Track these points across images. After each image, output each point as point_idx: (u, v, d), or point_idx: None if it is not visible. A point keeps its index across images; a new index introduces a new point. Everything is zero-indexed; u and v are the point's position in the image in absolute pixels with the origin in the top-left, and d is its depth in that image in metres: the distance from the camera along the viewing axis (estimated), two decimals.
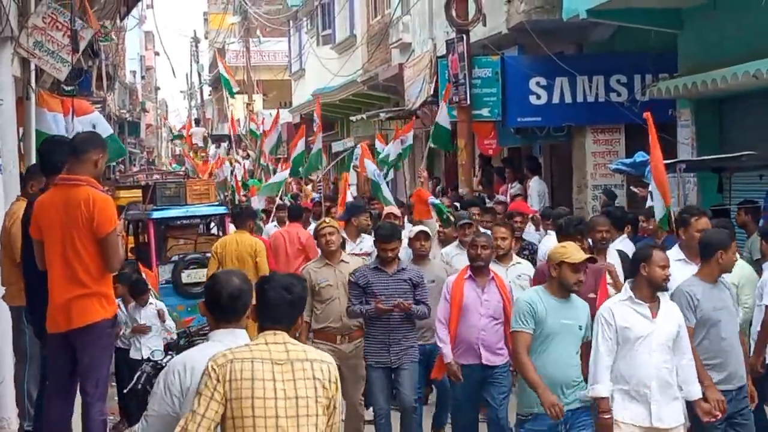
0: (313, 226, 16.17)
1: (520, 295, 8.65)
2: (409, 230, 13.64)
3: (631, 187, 16.82)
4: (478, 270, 9.92)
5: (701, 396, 7.96)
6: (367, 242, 13.51)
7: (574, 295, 8.17)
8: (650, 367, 7.76)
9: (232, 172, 30.69)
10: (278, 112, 26.46)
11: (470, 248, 10.03)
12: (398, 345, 10.09)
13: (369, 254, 12.79)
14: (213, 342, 5.53)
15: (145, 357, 11.06)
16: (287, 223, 16.46)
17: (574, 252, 8.12)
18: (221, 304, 5.55)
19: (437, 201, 14.45)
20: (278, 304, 5.26)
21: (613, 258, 10.80)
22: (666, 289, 7.97)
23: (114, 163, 37.95)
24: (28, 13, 11.45)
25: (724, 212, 12.98)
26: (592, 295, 9.19)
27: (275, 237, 15.90)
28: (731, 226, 10.86)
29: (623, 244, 11.91)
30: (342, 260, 10.82)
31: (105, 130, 12.40)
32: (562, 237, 10.12)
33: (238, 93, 48.19)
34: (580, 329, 8.08)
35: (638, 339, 7.76)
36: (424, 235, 11.03)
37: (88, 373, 8.00)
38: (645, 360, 7.76)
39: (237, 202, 21.55)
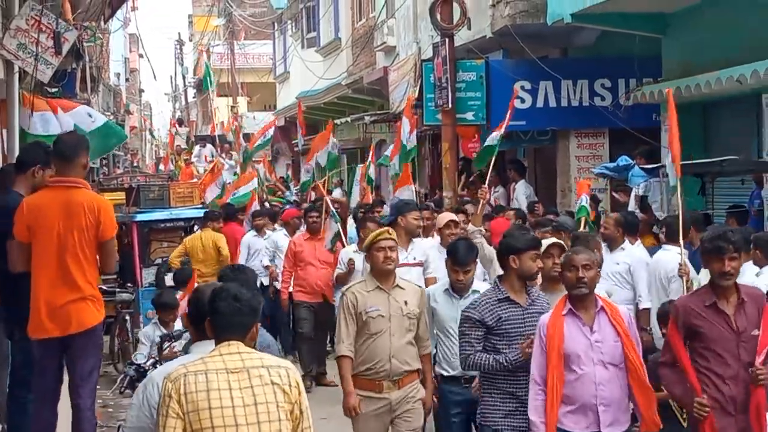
0: (298, 233, 16.04)
1: None
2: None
3: (613, 193, 16.82)
4: (580, 300, 7.15)
5: None
6: (419, 249, 11.09)
7: None
8: None
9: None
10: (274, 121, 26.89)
11: (566, 270, 7.22)
12: None
13: (422, 264, 10.82)
14: (193, 354, 5.52)
15: None
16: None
17: None
18: (203, 318, 5.53)
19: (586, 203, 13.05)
20: (228, 314, 5.23)
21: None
22: None
23: (98, 165, 37.84)
24: (11, 15, 11.40)
25: (706, 218, 13.00)
26: (755, 332, 7.00)
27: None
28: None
29: (638, 250, 11.77)
30: (397, 285, 8.57)
31: (99, 118, 12.31)
32: (707, 259, 7.24)
33: (222, 96, 48.10)
34: None
35: None
36: (558, 249, 8.28)
37: (88, 379, 8.05)
38: None
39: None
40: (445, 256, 10.78)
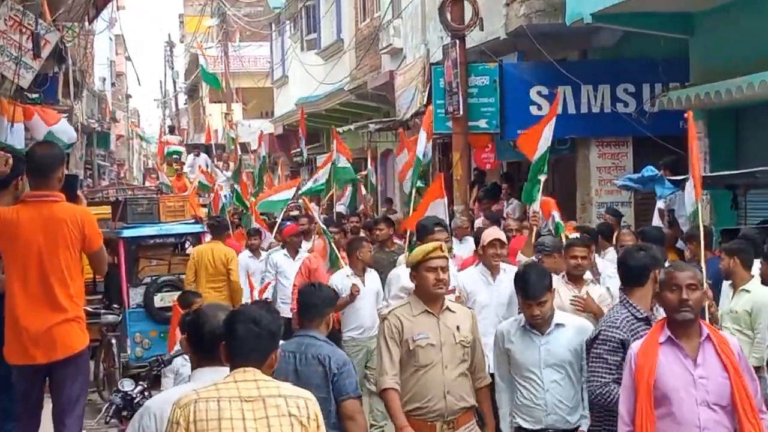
0: (304, 251, 15.89)
1: None
2: (403, 257, 12.92)
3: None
4: (682, 327, 6.37)
5: None
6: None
7: None
8: None
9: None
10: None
11: (667, 290, 6.43)
12: None
13: (454, 290, 10.32)
14: (194, 382, 5.51)
15: None
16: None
17: None
18: (204, 342, 5.52)
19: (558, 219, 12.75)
20: (246, 338, 5.21)
21: None
22: None
23: (82, 177, 37.91)
24: None
25: (737, 234, 12.96)
26: None
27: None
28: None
29: None
30: (447, 308, 8.04)
31: (70, 138, 12.35)
32: None
33: (216, 102, 48.04)
34: None
35: None
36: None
37: (73, 408, 8.07)
38: None
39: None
40: (489, 282, 10.57)
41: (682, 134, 15.92)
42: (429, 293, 7.92)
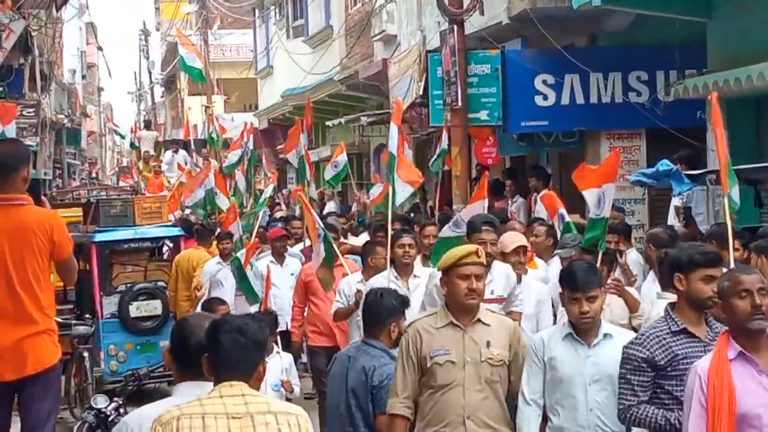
0: (296, 262, 15.66)
1: None
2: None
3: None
4: (753, 338, 6.12)
5: None
6: (500, 278, 9.98)
7: None
8: None
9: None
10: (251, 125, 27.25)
11: (734, 296, 6.15)
12: None
13: (503, 300, 10.05)
14: (175, 397, 5.49)
15: None
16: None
17: None
18: (189, 354, 5.50)
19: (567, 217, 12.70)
20: (231, 349, 5.20)
21: None
22: None
23: (50, 177, 37.89)
24: None
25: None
26: None
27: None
28: None
29: None
30: (479, 320, 7.56)
31: None
32: None
33: (195, 94, 48.04)
34: None
35: None
36: None
37: (43, 427, 8.10)
38: None
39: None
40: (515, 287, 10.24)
41: (698, 125, 16.02)
42: (459, 303, 7.49)
